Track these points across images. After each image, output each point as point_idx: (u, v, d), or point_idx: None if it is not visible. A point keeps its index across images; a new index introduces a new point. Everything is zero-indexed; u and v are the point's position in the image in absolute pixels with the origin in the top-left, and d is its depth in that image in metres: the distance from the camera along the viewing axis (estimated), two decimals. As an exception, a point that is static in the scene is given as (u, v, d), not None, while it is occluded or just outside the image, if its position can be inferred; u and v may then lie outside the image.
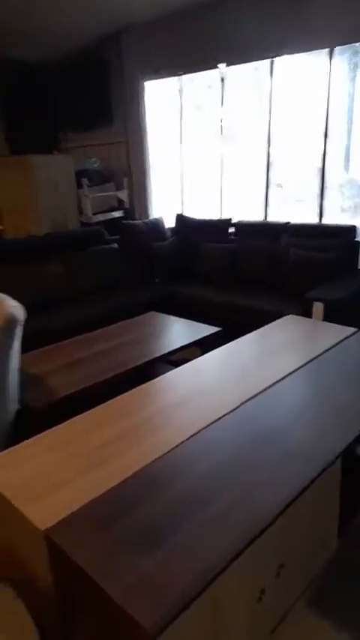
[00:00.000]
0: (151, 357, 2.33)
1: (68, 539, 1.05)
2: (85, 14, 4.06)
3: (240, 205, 4.23)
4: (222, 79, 3.97)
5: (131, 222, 4.04)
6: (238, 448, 1.36)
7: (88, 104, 4.81)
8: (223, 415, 1.54)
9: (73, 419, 1.56)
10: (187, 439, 1.41)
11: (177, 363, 2.36)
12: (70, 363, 2.26)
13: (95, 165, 4.79)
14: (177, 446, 1.38)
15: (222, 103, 4.04)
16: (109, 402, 1.66)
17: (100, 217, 4.51)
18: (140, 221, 4.07)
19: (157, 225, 4.09)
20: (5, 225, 4.49)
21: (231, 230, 3.82)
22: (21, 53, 4.83)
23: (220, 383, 1.78)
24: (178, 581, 0.93)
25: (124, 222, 4.09)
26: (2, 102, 5.39)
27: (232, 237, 3.79)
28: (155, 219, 4.17)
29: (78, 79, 4.83)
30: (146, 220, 4.11)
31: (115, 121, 4.74)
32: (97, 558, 1.00)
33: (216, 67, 3.92)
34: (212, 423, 1.50)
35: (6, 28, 4.21)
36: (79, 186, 4.46)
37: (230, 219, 3.83)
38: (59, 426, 1.52)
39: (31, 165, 4.14)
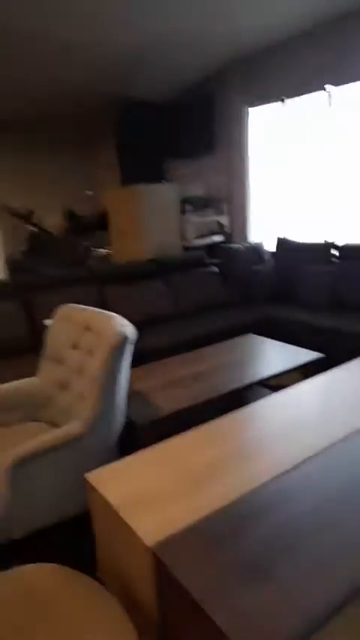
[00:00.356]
0: (250, 381, 2.33)
1: (174, 558, 1.07)
2: (194, 56, 4.33)
3: (346, 227, 4.08)
4: (329, 100, 3.92)
5: (231, 245, 4.12)
6: (345, 485, 1.30)
7: (192, 134, 5.06)
8: (327, 447, 1.49)
9: (175, 437, 1.61)
10: (288, 470, 1.38)
11: (275, 388, 2.34)
12: (171, 381, 2.36)
13: (198, 192, 5.00)
14: (278, 476, 1.35)
15: (328, 124, 3.98)
16: (210, 423, 1.69)
17: (201, 241, 4.66)
18: (240, 245, 4.14)
19: (257, 248, 4.12)
20: (114, 249, 4.85)
21: (335, 253, 3.70)
22: (133, 92, 5.27)
23: (322, 413, 1.72)
24: (283, 621, 0.90)
25: (224, 245, 4.19)
26: (116, 137, 5.90)
27: (336, 260, 3.67)
28: (255, 243, 4.20)
29: (183, 112, 5.11)
30: (246, 244, 4.16)
31: (217, 149, 4.92)
32: (204, 583, 1.00)
33: (322, 89, 3.89)
34: (315, 455, 1.45)
35: (122, 72, 4.65)
36: (183, 212, 4.68)
37: (333, 242, 3.72)
38: (163, 443, 1.58)
39: (140, 194, 4.44)
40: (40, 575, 1.21)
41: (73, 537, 1.78)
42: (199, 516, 1.20)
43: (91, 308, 2.14)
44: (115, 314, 1.98)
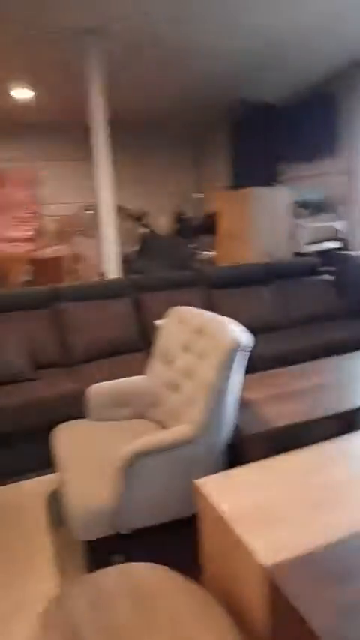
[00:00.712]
0: (369, 402, 2.12)
1: (295, 586, 0.99)
2: (318, 54, 4.12)
3: None
4: None
5: (349, 253, 3.84)
6: None
7: (311, 136, 4.84)
8: None
9: (289, 454, 1.51)
10: None
11: None
12: (280, 394, 2.23)
13: (313, 196, 4.76)
14: None
15: None
16: (323, 444, 1.56)
17: (315, 247, 4.42)
18: (359, 252, 3.84)
19: (378, 257, 3.78)
20: (220, 252, 4.82)
21: None
22: (249, 93, 5.19)
23: None
24: None
25: (340, 253, 3.92)
26: (229, 138, 5.88)
27: None
28: (376, 250, 3.87)
29: (302, 113, 4.91)
30: (365, 252, 3.85)
31: (337, 152, 4.63)
32: (326, 619, 0.90)
33: None
34: None
35: (240, 73, 4.59)
36: (296, 216, 4.48)
37: None
38: (276, 458, 1.50)
39: (251, 197, 4.35)
40: (148, 575, 1.21)
41: (176, 540, 1.76)
42: (317, 544, 1.11)
43: (205, 311, 2.11)
44: (230, 319, 1.93)
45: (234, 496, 1.33)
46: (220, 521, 1.27)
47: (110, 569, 1.22)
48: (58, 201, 6.85)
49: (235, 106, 5.52)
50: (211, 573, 1.43)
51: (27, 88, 4.81)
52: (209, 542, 1.41)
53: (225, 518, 1.24)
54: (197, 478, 1.69)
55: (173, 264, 5.17)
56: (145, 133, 7.00)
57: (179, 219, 6.68)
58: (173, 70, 4.51)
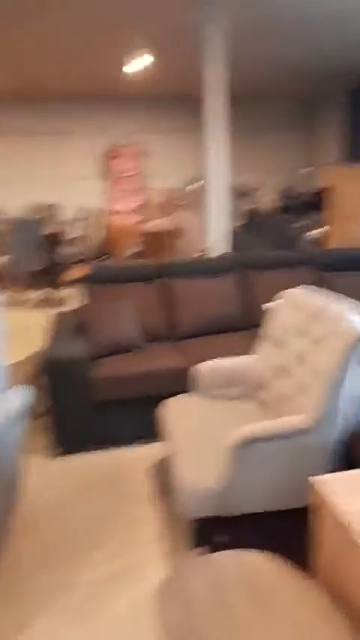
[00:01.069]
0: None
1: None
2: None
3: None
4: None
5: None
6: None
7: None
8: None
9: None
10: None
11: None
12: None
13: None
14: None
15: None
16: None
17: None
18: None
19: None
20: (331, 232, 4.52)
21: None
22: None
23: None
24: None
25: None
26: (345, 110, 5.40)
27: None
28: None
29: None
30: None
31: None
32: None
33: None
34: None
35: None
36: None
37: None
38: None
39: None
40: (265, 566, 1.19)
41: (283, 529, 1.72)
42: None
43: (323, 295, 1.98)
44: (352, 304, 1.78)
45: (356, 499, 1.24)
46: (339, 523, 1.20)
47: (226, 553, 1.22)
48: (162, 174, 6.92)
49: (353, 74, 5.03)
50: (323, 571, 1.37)
51: (146, 54, 4.81)
52: (323, 541, 1.35)
53: (346, 522, 1.16)
54: (309, 471, 1.62)
55: (278, 242, 4.97)
56: (256, 106, 6.72)
57: (287, 195, 6.38)
58: (292, 38, 4.21)
